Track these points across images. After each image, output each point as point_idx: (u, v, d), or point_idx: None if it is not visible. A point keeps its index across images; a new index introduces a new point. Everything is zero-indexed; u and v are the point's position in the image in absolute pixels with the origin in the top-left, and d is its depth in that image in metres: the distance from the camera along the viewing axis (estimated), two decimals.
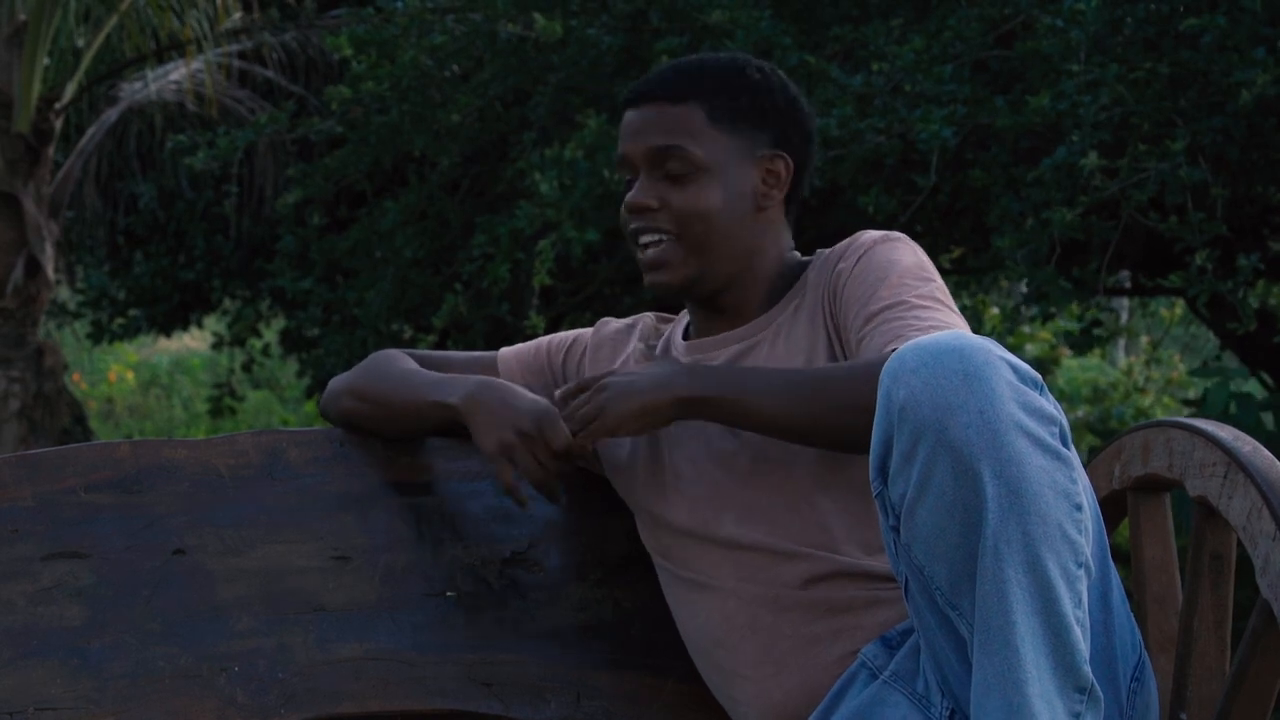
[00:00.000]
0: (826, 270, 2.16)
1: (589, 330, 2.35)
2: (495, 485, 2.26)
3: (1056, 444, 1.77)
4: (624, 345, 2.31)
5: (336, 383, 2.34)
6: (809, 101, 2.22)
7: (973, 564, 1.76)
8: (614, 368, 2.26)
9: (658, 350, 2.28)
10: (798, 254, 2.24)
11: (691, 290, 2.19)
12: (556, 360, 2.33)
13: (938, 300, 2.07)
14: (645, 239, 2.17)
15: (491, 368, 2.33)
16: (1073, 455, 1.79)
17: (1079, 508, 1.77)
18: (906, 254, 2.12)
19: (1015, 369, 1.78)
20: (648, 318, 2.34)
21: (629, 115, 2.20)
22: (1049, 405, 1.78)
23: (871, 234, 2.16)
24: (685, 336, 2.26)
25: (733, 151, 2.16)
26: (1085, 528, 1.78)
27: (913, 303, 2.05)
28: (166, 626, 2.13)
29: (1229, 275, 4.42)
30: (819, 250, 2.22)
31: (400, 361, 2.31)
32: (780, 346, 2.15)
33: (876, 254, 2.12)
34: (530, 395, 2.17)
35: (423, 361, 2.32)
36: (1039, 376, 1.81)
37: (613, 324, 2.34)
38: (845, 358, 2.10)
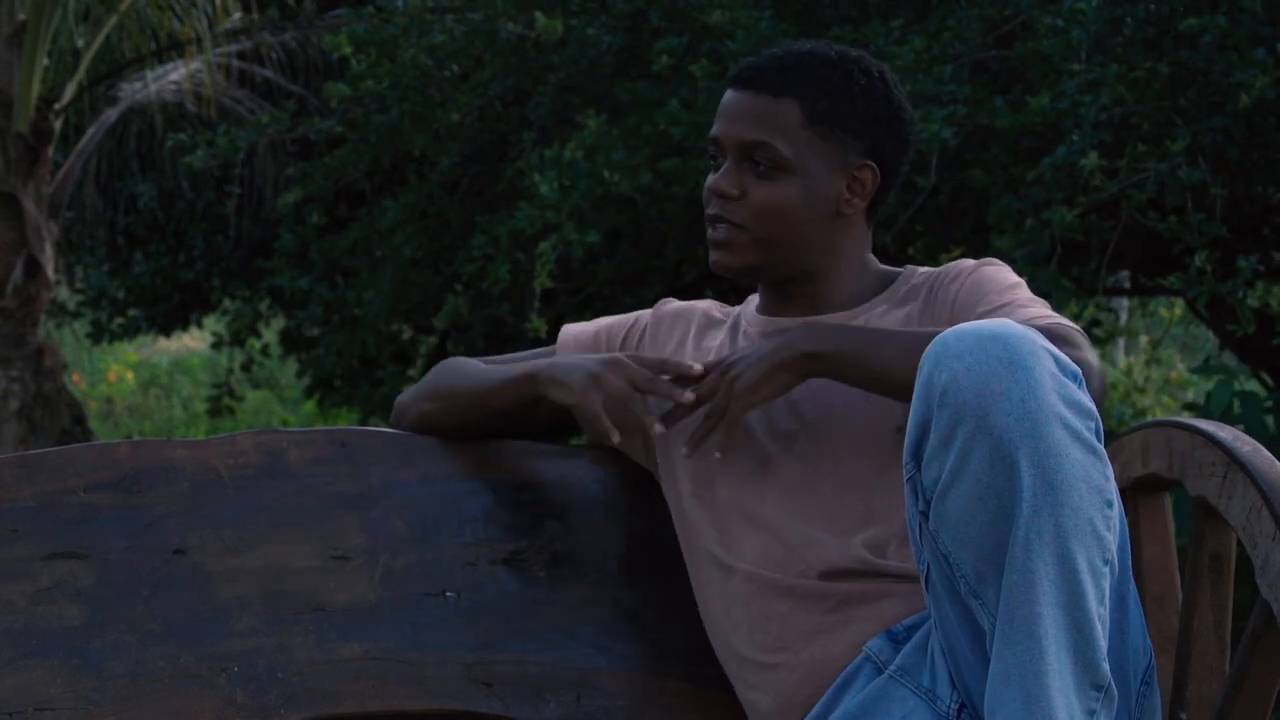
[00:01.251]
0: (936, 288, 2.17)
1: (648, 311, 2.36)
2: (585, 427, 2.20)
3: (1092, 439, 1.78)
4: (685, 325, 2.31)
5: (406, 396, 2.36)
6: (911, 111, 2.21)
7: (1001, 553, 1.76)
8: (673, 346, 2.28)
9: (728, 323, 2.28)
10: (875, 259, 2.25)
11: (751, 276, 2.20)
12: (615, 342, 2.33)
13: (1047, 304, 2.11)
14: (718, 224, 2.17)
15: (551, 355, 2.34)
16: (1104, 452, 1.80)
17: (1109, 504, 1.79)
18: (1010, 273, 2.17)
19: (1057, 360, 1.79)
20: (708, 303, 2.35)
21: (730, 96, 2.19)
22: (1087, 400, 1.79)
23: (970, 260, 2.20)
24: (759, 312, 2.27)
25: (822, 155, 2.16)
26: (1114, 525, 1.80)
27: (1024, 300, 2.10)
28: (166, 626, 2.13)
29: (1228, 276, 4.41)
30: (908, 265, 2.25)
31: (470, 362, 2.34)
32: None
33: (985, 272, 2.16)
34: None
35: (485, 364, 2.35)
36: (1079, 370, 1.82)
37: (673, 304, 2.36)
38: None
